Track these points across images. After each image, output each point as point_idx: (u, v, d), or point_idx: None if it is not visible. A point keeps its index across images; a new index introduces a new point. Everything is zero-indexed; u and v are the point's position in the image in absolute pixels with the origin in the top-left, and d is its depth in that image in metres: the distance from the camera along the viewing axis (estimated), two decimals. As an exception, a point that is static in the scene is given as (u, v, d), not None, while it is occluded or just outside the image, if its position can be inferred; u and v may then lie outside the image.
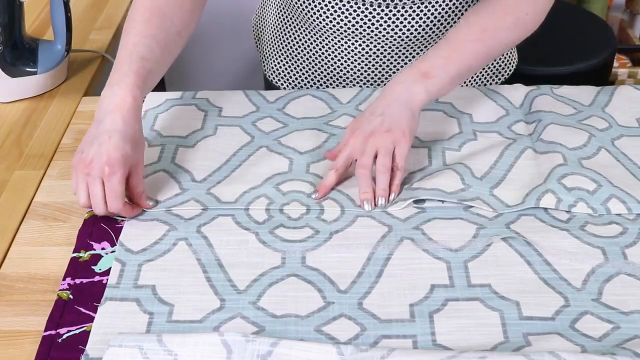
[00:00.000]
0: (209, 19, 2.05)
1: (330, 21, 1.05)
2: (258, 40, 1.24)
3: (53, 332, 0.76)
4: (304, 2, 1.06)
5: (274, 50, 1.19)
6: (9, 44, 1.14)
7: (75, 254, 0.85)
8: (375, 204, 0.90)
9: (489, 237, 0.86)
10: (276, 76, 1.20)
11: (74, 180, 0.86)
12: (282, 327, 0.76)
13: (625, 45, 2.32)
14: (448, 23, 1.05)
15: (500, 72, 1.19)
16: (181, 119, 1.06)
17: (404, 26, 1.04)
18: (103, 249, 0.86)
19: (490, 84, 1.18)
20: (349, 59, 1.10)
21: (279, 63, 1.18)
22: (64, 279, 0.82)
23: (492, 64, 1.18)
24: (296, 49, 1.14)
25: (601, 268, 0.82)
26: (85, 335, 0.75)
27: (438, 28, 1.05)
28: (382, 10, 1.02)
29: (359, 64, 1.10)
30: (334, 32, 1.07)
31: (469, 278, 0.81)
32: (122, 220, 0.89)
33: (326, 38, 1.09)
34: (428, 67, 0.93)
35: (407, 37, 1.06)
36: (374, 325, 0.76)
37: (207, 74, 2.34)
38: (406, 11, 1.03)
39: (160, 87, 2.07)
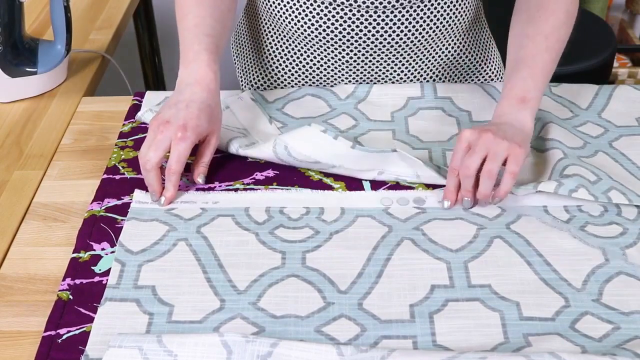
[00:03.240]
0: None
1: (315, 28, 1.04)
2: (237, 56, 1.24)
3: (53, 332, 0.76)
4: (287, 11, 1.05)
5: (254, 65, 1.18)
6: (9, 44, 1.14)
7: (75, 255, 0.85)
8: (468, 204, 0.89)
9: (489, 238, 0.86)
10: (255, 90, 1.19)
11: (146, 139, 0.90)
12: (282, 327, 0.76)
13: (625, 45, 2.32)
14: (432, 29, 1.05)
15: (501, 72, 1.19)
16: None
17: (395, 31, 1.03)
18: (103, 249, 0.86)
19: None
20: (334, 68, 1.09)
21: (259, 77, 1.17)
22: (63, 280, 0.82)
23: (493, 62, 1.18)
24: (277, 61, 1.13)
25: (601, 268, 0.82)
26: (85, 335, 0.75)
27: (422, 35, 1.05)
28: (371, 16, 1.01)
29: (341, 71, 1.10)
30: (318, 40, 1.06)
31: (469, 278, 0.81)
32: (122, 220, 0.89)
33: (303, 45, 1.08)
34: (523, 92, 0.93)
35: (397, 44, 1.05)
36: (374, 326, 0.76)
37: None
38: (395, 16, 1.02)
39: (161, 87, 2.07)
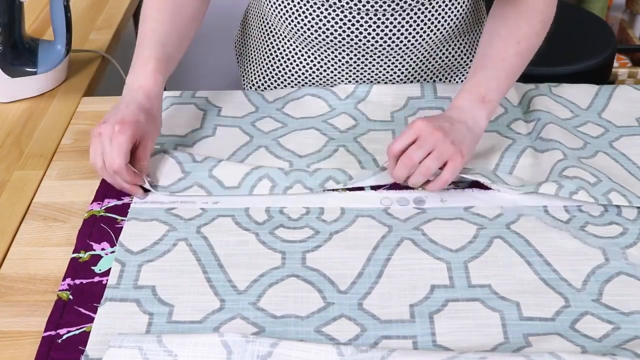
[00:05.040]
0: (209, 19, 2.05)
1: (315, 30, 1.04)
2: (239, 56, 1.24)
3: (53, 332, 0.76)
4: (286, 12, 1.05)
5: (256, 66, 1.17)
6: (9, 44, 1.14)
7: (75, 255, 0.85)
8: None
9: (489, 238, 0.86)
10: (257, 90, 1.19)
11: (91, 145, 0.89)
12: (282, 327, 0.76)
13: (625, 45, 2.32)
14: (432, 30, 1.05)
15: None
16: (180, 117, 1.06)
17: (395, 34, 1.03)
18: (103, 249, 0.86)
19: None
20: (335, 69, 1.09)
21: (261, 77, 1.17)
22: (63, 280, 0.82)
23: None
24: (279, 61, 1.13)
25: (601, 268, 0.82)
26: (85, 335, 0.75)
27: (422, 37, 1.05)
28: (371, 19, 1.01)
29: (341, 72, 1.10)
30: (318, 42, 1.06)
31: (469, 278, 0.81)
32: (122, 221, 0.89)
33: (304, 46, 1.08)
34: (485, 91, 0.93)
35: (397, 46, 1.05)
36: (374, 326, 0.76)
37: (206, 74, 2.34)
38: (395, 19, 1.02)
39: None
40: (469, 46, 1.13)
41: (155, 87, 0.93)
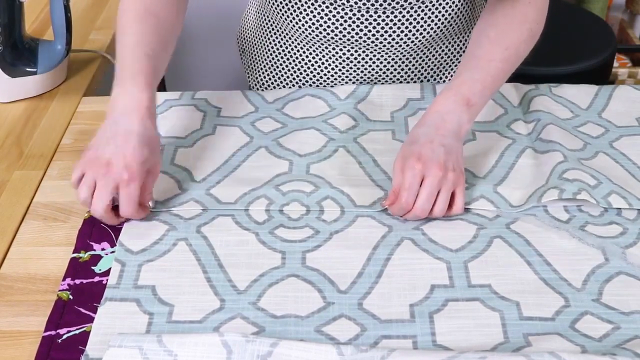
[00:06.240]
0: (209, 19, 2.05)
1: (316, 27, 1.04)
2: (242, 52, 1.23)
3: (53, 332, 0.76)
4: (288, 10, 1.05)
5: (258, 62, 1.18)
6: (9, 44, 1.14)
7: (75, 255, 0.85)
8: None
9: (489, 237, 0.86)
10: (260, 86, 1.19)
11: (77, 173, 0.85)
12: (282, 327, 0.76)
13: (625, 45, 2.32)
14: (432, 28, 1.05)
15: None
16: (180, 119, 1.06)
17: (396, 32, 1.04)
18: (103, 249, 0.86)
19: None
20: (336, 66, 1.09)
21: (263, 73, 1.17)
22: (63, 280, 0.82)
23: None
24: (281, 58, 1.13)
25: (601, 268, 0.82)
26: (85, 335, 0.76)
27: (422, 35, 1.05)
28: (372, 16, 1.01)
29: (341, 70, 1.10)
30: (320, 39, 1.06)
31: (469, 278, 0.81)
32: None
33: (305, 44, 1.08)
34: (469, 94, 0.91)
35: (398, 43, 1.05)
36: (374, 326, 0.76)
37: (207, 75, 2.34)
38: (395, 16, 1.02)
39: (161, 87, 2.07)
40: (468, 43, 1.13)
41: (149, 105, 0.87)
